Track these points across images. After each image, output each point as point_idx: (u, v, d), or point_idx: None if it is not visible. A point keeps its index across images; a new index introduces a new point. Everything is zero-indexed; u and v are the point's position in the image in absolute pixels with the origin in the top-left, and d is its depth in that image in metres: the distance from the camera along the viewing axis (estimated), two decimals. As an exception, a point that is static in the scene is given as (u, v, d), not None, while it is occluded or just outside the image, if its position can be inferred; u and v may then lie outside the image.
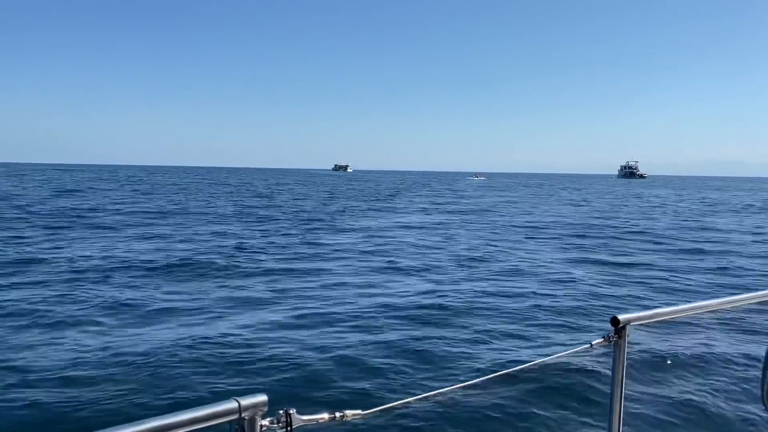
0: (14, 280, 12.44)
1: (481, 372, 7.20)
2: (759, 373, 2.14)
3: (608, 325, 2.27)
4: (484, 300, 11.37)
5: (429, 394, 2.14)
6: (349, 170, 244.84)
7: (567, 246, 20.41)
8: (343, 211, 35.77)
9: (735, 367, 7.67)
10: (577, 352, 2.41)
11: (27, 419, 5.83)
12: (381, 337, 8.63)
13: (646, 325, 7.89)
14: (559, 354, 2.47)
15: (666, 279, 14.20)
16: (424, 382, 6.88)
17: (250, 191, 60.66)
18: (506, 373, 2.40)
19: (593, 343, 2.26)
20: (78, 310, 10.03)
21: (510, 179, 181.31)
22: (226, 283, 12.71)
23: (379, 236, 22.56)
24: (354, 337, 8.61)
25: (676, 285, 13.48)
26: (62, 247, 17.33)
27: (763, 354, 2.15)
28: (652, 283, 13.59)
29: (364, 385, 6.87)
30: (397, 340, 8.51)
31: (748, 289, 2.94)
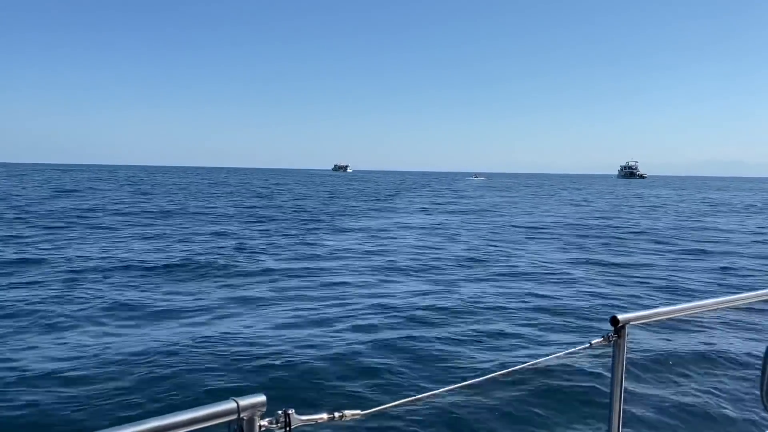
0: (14, 280, 12.43)
1: (481, 372, 7.19)
2: (758, 373, 2.14)
3: (608, 325, 2.27)
4: (484, 300, 11.37)
5: (428, 394, 2.14)
6: (349, 170, 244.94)
7: (568, 246, 20.41)
8: (343, 211, 35.77)
9: (734, 366, 7.67)
10: (576, 351, 2.41)
11: (26, 420, 5.82)
12: (380, 338, 8.62)
13: (646, 325, 7.90)
14: (559, 353, 2.46)
15: (667, 279, 14.19)
16: (423, 382, 6.88)
17: (249, 191, 60.67)
18: (506, 373, 2.39)
19: (593, 342, 2.26)
20: (77, 310, 10.03)
21: (510, 179, 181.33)
22: (226, 284, 12.71)
23: (379, 236, 22.56)
24: (353, 338, 8.61)
25: (678, 285, 13.48)
26: (61, 248, 17.33)
27: (762, 355, 2.15)
28: (653, 284, 13.59)
29: (364, 385, 6.86)
30: (397, 340, 8.50)
31: (748, 289, 2.94)
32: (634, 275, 14.65)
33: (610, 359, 2.28)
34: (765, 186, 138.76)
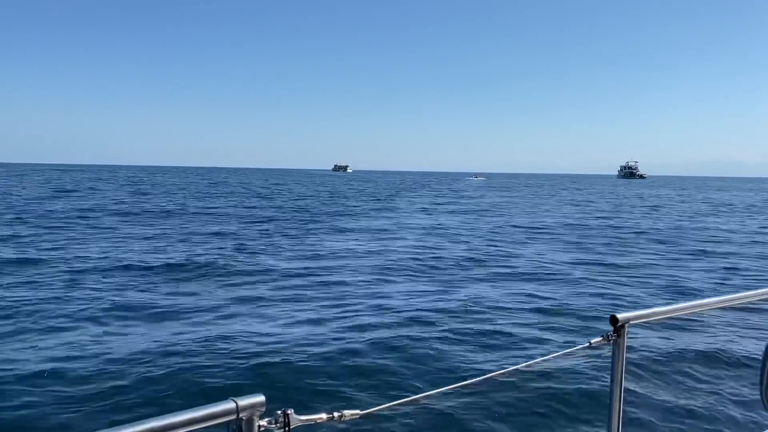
0: (13, 280, 12.43)
1: (480, 372, 7.19)
2: (758, 372, 2.14)
3: (608, 325, 2.27)
4: (484, 300, 11.36)
5: (427, 394, 2.14)
6: (348, 170, 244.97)
7: (568, 246, 20.41)
8: (343, 211, 35.77)
9: (734, 365, 7.67)
10: (576, 351, 2.41)
11: (26, 419, 5.82)
12: (380, 338, 8.62)
13: (646, 324, 7.89)
14: (559, 353, 2.46)
15: (668, 279, 14.19)
16: (422, 383, 6.88)
17: (249, 191, 60.67)
18: (505, 372, 2.39)
19: (592, 342, 2.26)
20: (76, 310, 10.02)
21: (510, 179, 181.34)
22: (226, 284, 12.71)
23: (379, 237, 22.55)
24: (353, 338, 8.61)
25: (678, 285, 13.48)
26: (61, 248, 17.33)
27: (761, 354, 2.14)
28: (653, 284, 13.59)
29: (363, 385, 6.86)
30: (396, 340, 8.50)
31: (748, 288, 2.94)
32: (635, 275, 14.64)
33: (610, 359, 2.28)
34: (765, 186, 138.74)
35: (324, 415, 1.60)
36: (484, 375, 2.40)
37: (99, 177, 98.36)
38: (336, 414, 1.65)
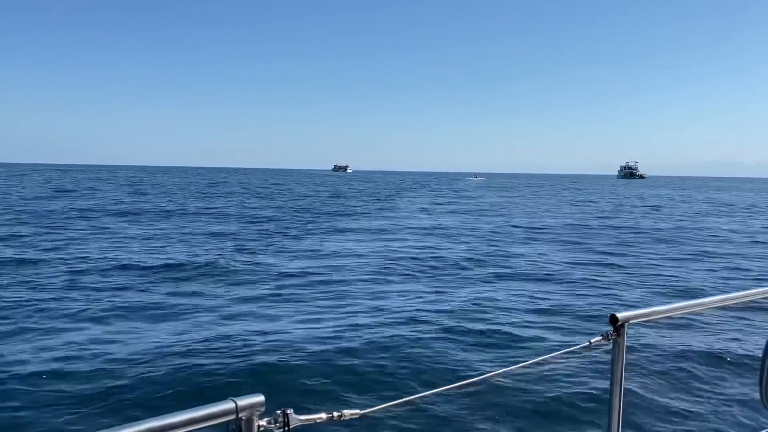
0: (13, 280, 12.43)
1: (480, 371, 7.19)
2: (758, 370, 2.14)
3: (608, 325, 2.27)
4: (484, 300, 11.36)
5: (427, 393, 2.13)
6: (348, 171, 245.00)
7: (568, 246, 20.41)
8: (343, 211, 35.77)
9: (734, 364, 7.67)
10: (576, 350, 2.40)
11: (25, 419, 5.82)
12: (380, 338, 8.62)
13: (646, 323, 7.89)
14: (558, 352, 2.45)
15: (669, 279, 14.19)
16: (422, 382, 6.87)
17: (249, 191, 60.67)
18: (505, 372, 2.39)
19: (592, 341, 2.25)
20: (76, 311, 10.02)
21: (510, 179, 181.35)
22: (225, 284, 12.71)
23: (378, 237, 22.56)
24: (353, 338, 8.60)
25: (680, 285, 13.47)
26: (60, 248, 17.33)
27: (761, 353, 2.14)
28: (654, 284, 13.59)
29: (363, 384, 6.86)
30: (396, 340, 8.50)
31: (747, 287, 2.93)
32: (636, 275, 14.65)
33: (610, 358, 2.28)
34: (765, 186, 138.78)
35: (323, 415, 1.60)
36: (483, 374, 2.40)
37: (99, 177, 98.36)
38: (335, 414, 1.64)
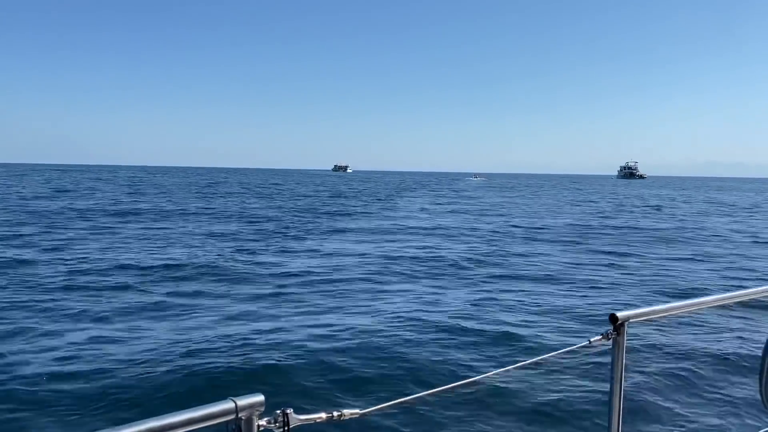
0: (12, 280, 12.43)
1: (480, 370, 7.19)
2: (758, 370, 2.14)
3: (608, 324, 2.27)
4: (485, 300, 11.36)
5: (427, 393, 2.12)
6: (348, 171, 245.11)
7: (569, 246, 20.41)
8: (343, 211, 35.78)
9: (734, 363, 7.67)
10: (575, 349, 2.40)
11: (25, 419, 5.82)
12: (380, 337, 8.61)
13: (646, 322, 7.89)
14: (559, 351, 2.45)
15: (669, 279, 14.19)
16: (422, 382, 6.87)
17: (249, 192, 60.69)
18: (506, 371, 2.39)
19: (592, 340, 2.25)
20: (76, 311, 10.03)
21: (510, 180, 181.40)
22: (224, 284, 12.71)
23: (379, 237, 22.56)
24: (352, 338, 8.60)
25: (680, 285, 13.47)
26: (60, 248, 17.33)
27: (761, 352, 2.14)
28: (655, 284, 13.59)
29: (362, 384, 6.86)
30: (396, 340, 8.50)
31: (747, 286, 2.94)
32: (636, 275, 14.65)
33: (610, 357, 2.28)
34: (765, 186, 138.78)
35: (323, 415, 1.60)
36: (483, 374, 2.40)
37: (99, 177, 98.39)
38: (335, 413, 1.64)
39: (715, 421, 6.13)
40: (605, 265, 16.09)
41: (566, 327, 9.54)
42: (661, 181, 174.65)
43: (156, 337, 8.51)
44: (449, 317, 9.89)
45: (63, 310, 10.02)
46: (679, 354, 8.00)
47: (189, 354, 7.69)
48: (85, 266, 14.27)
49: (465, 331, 9.08)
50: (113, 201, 39.64)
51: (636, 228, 27.41)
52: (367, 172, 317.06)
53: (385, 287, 12.69)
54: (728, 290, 2.81)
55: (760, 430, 3.46)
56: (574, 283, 13.43)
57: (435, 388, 2.13)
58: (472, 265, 15.73)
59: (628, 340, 2.27)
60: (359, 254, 17.47)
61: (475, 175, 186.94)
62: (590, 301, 11.46)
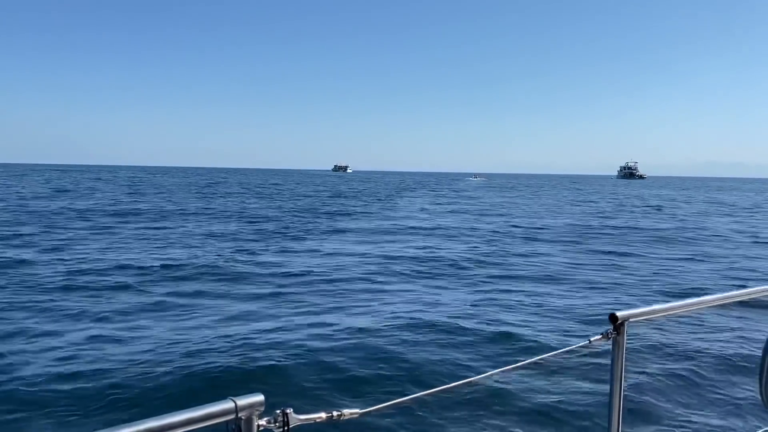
0: (12, 280, 12.43)
1: (480, 370, 7.18)
2: (757, 369, 2.14)
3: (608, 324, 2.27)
4: (484, 300, 11.36)
5: (426, 392, 2.12)
6: (348, 171, 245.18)
7: (569, 246, 20.41)
8: (343, 211, 35.78)
9: (734, 362, 7.67)
10: (575, 349, 2.40)
11: (24, 419, 5.82)
12: (379, 337, 8.61)
13: (646, 322, 7.89)
14: (558, 351, 2.45)
15: (669, 279, 14.19)
16: (422, 382, 6.87)
17: (249, 192, 60.70)
18: (505, 371, 2.39)
19: (592, 339, 2.25)
20: (75, 311, 10.02)
21: (510, 180, 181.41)
22: (224, 284, 12.71)
23: (379, 237, 22.56)
24: (352, 337, 8.60)
25: (680, 285, 13.47)
26: (59, 248, 17.32)
27: (761, 351, 2.14)
28: (655, 284, 13.59)
29: (362, 384, 6.86)
30: (396, 340, 8.49)
31: (747, 285, 2.94)
32: (636, 275, 14.65)
33: (610, 357, 2.28)
34: (765, 187, 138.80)
35: (323, 415, 1.60)
36: (483, 374, 2.40)
37: (99, 177, 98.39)
38: (335, 413, 1.64)
39: (715, 421, 6.13)
40: (605, 265, 16.09)
41: (566, 327, 9.54)
42: (661, 181, 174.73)
43: (156, 337, 8.51)
44: (449, 317, 9.88)
45: (62, 310, 10.01)
46: (679, 354, 8.00)
47: (189, 354, 7.68)
48: (85, 266, 14.26)
49: (465, 331, 9.07)
50: (113, 201, 39.64)
51: (636, 228, 27.41)
52: (367, 172, 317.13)
53: (385, 287, 12.68)
54: (728, 290, 2.81)
55: (760, 430, 3.46)
56: (574, 283, 13.43)
57: (434, 388, 2.13)
58: (472, 265, 15.73)
59: (628, 339, 2.27)
60: (359, 254, 17.46)
61: (475, 175, 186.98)
62: (590, 301, 11.45)
